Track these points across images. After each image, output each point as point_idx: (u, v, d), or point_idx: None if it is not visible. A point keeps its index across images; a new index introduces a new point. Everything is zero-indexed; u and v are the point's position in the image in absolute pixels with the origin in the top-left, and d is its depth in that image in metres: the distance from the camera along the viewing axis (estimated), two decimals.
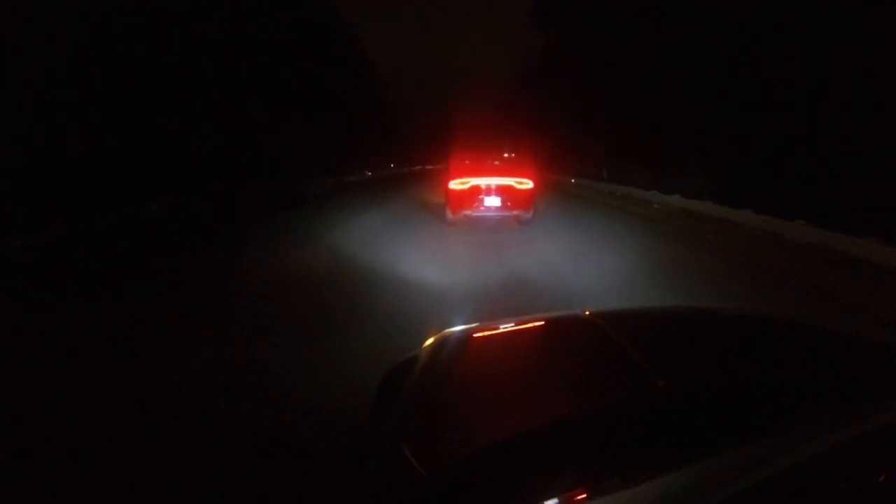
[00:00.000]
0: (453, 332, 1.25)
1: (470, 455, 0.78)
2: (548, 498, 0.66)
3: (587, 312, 1.30)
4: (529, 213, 7.78)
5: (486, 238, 7.21)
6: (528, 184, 7.66)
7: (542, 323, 1.40)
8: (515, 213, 7.70)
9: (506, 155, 8.43)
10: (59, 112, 6.91)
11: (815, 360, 1.06)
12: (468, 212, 7.69)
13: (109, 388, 2.66)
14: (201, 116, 9.91)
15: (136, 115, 8.29)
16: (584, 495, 0.66)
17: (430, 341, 1.21)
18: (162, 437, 2.21)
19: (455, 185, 7.62)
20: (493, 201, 7.53)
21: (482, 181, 7.54)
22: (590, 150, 19.26)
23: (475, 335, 1.29)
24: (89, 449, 2.13)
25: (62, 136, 6.94)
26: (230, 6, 11.34)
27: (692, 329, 1.30)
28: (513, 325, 1.36)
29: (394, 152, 33.67)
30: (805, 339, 1.21)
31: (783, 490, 0.64)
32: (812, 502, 0.65)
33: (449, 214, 7.90)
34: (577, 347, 1.19)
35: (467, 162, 7.90)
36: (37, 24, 6.73)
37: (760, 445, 0.71)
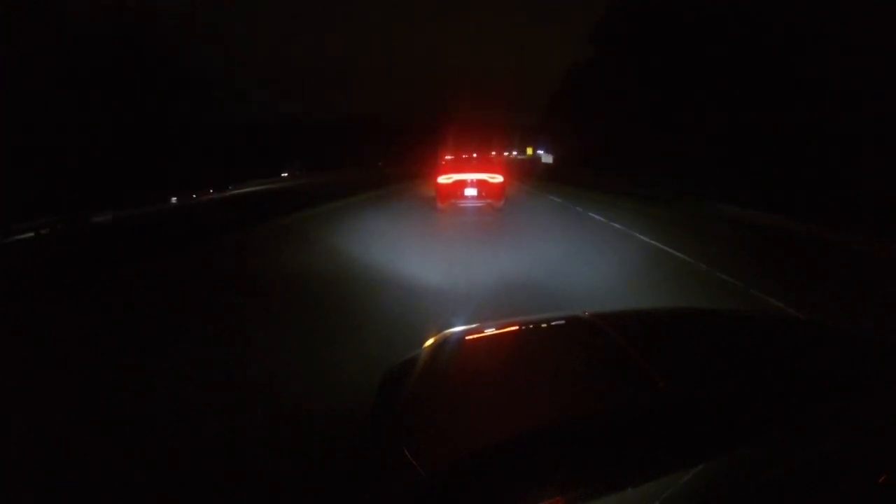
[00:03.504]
0: (453, 333, 1.24)
1: (469, 455, 0.78)
2: (548, 498, 0.66)
3: (586, 313, 1.30)
4: (500, 201, 9.91)
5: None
6: (498, 178, 9.84)
7: (541, 324, 1.39)
8: (489, 201, 9.86)
9: (478, 155, 11.36)
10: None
11: (816, 360, 1.06)
12: (453, 200, 9.83)
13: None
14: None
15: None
16: (584, 496, 0.66)
17: (429, 342, 1.20)
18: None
19: (443, 179, 9.78)
20: (471, 192, 9.67)
21: (463, 176, 9.73)
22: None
23: (474, 336, 1.28)
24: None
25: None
26: None
27: (692, 329, 1.30)
28: (512, 326, 1.36)
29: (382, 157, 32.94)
30: (805, 338, 1.20)
31: (784, 490, 0.64)
32: (812, 502, 0.65)
33: (439, 203, 10.04)
34: (577, 348, 1.18)
35: (452, 162, 10.29)
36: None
37: (762, 446, 0.71)
